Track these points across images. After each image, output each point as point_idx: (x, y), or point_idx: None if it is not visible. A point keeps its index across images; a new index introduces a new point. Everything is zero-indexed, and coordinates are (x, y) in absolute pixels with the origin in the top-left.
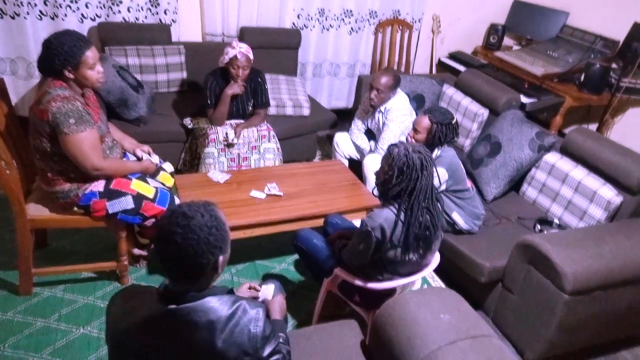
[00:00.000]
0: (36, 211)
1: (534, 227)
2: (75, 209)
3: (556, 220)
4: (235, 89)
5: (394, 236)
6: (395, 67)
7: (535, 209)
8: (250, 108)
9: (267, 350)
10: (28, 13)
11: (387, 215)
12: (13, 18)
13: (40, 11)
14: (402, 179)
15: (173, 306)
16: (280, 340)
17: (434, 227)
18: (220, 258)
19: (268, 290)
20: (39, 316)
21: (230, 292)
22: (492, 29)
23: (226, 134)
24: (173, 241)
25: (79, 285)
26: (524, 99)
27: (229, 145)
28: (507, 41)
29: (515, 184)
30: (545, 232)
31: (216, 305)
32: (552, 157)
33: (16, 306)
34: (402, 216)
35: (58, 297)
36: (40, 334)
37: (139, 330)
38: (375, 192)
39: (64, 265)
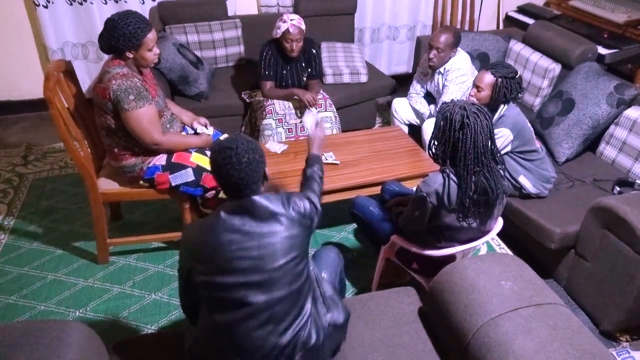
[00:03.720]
0: (107, 185)
1: (612, 190)
2: (141, 182)
3: (639, 181)
4: (307, 97)
5: (450, 201)
6: (459, 26)
7: (614, 170)
8: (305, 79)
9: (316, 221)
10: None
11: (442, 180)
12: (81, 4)
13: None
14: (439, 135)
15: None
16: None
17: (492, 191)
18: (266, 168)
19: (308, 119)
20: (115, 283)
21: None
22: None
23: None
24: (231, 168)
25: (150, 254)
26: (602, 50)
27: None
28: None
29: (591, 144)
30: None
31: (269, 200)
32: (634, 112)
33: (95, 274)
34: (455, 180)
35: (132, 266)
36: (116, 299)
37: (210, 230)
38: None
39: (135, 236)
